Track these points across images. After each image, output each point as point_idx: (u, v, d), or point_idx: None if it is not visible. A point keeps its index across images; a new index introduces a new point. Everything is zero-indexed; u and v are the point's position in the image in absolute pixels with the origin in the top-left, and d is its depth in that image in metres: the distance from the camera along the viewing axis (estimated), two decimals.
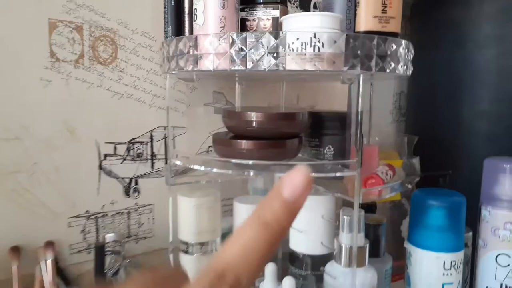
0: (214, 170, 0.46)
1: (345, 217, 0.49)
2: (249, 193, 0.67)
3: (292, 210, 0.21)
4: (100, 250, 0.53)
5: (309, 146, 0.53)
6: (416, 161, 0.69)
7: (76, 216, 0.58)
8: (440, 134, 0.76)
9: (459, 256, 0.51)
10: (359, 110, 0.45)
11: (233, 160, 0.44)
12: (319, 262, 0.53)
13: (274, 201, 0.21)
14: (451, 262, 0.51)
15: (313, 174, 0.45)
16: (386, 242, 0.60)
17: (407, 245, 0.54)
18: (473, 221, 0.56)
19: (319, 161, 0.49)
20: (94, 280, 0.54)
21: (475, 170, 0.57)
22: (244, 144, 0.45)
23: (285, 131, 0.46)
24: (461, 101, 0.73)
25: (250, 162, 0.43)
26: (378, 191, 0.47)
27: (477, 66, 0.72)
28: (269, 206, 0.21)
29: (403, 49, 0.45)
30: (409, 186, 0.66)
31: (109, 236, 0.59)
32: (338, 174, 0.44)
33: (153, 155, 0.64)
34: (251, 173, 0.44)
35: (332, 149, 0.51)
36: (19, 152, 0.53)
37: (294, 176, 0.21)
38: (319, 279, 0.53)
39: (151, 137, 0.63)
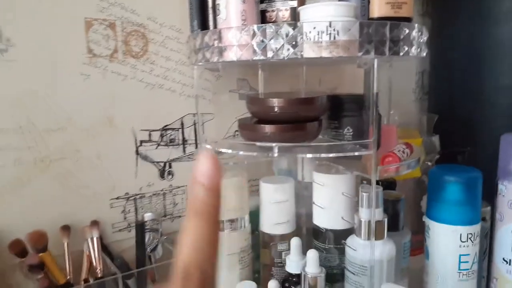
0: (241, 153, 0.50)
1: (363, 193, 0.52)
2: (274, 174, 0.71)
3: (213, 190, 0.23)
4: (140, 227, 0.59)
5: (329, 128, 0.56)
6: (435, 139, 0.71)
7: (117, 198, 0.64)
8: (460, 111, 0.77)
9: (475, 229, 0.54)
10: (375, 92, 0.47)
11: (258, 143, 0.48)
12: (340, 236, 0.56)
13: (196, 191, 0.23)
14: (467, 235, 0.53)
15: (333, 154, 0.48)
16: (408, 217, 0.63)
17: (425, 219, 0.57)
18: (492, 196, 0.58)
19: (338, 142, 0.53)
20: (136, 255, 0.60)
21: (495, 146, 0.59)
22: (267, 128, 0.48)
23: (305, 114, 0.49)
24: (481, 76, 0.74)
25: (274, 144, 0.47)
26: (395, 168, 0.49)
27: (497, 41, 0.72)
28: (195, 197, 0.23)
29: (416, 33, 0.47)
30: (429, 163, 0.68)
31: (147, 215, 0.64)
32: (356, 153, 0.47)
33: (184, 140, 0.68)
34: (275, 155, 0.47)
35: (351, 130, 0.54)
36: (64, 140, 0.58)
37: (201, 163, 0.23)
38: (341, 252, 0.57)
39: (182, 124, 0.68)
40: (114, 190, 0.64)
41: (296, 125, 0.49)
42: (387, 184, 0.63)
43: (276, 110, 0.49)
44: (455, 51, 0.79)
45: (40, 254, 0.51)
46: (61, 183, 0.59)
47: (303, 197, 0.65)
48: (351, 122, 0.54)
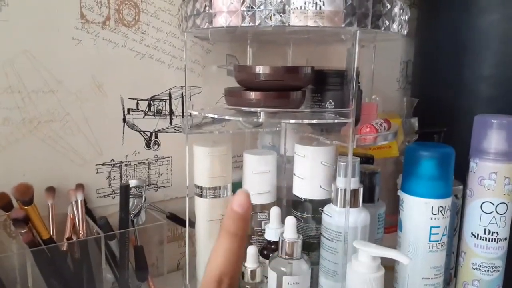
0: (226, 117, 0.52)
1: (341, 163, 0.54)
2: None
3: (244, 218, 0.29)
4: (125, 189, 0.60)
5: (312, 101, 0.58)
6: (414, 121, 0.74)
7: (103, 164, 0.65)
8: (441, 97, 0.80)
9: (447, 202, 0.56)
10: (355, 65, 0.50)
11: (243, 108, 0.50)
12: (318, 206, 0.58)
13: (232, 216, 0.29)
14: (438, 208, 0.56)
15: (315, 121, 0.50)
16: (385, 197, 0.65)
17: (400, 193, 0.59)
18: (465, 176, 0.61)
19: (319, 109, 0.55)
20: (119, 219, 0.61)
21: (470, 130, 0.61)
22: (253, 94, 0.50)
23: (289, 83, 0.51)
24: (463, 65, 0.77)
25: (258, 109, 0.49)
26: (372, 138, 0.52)
27: (480, 32, 0.75)
28: (231, 221, 0.29)
29: (398, 10, 0.50)
30: (407, 143, 0.71)
31: (132, 182, 0.65)
32: (336, 121, 0.50)
33: (171, 112, 0.70)
34: (260, 119, 0.49)
35: (333, 103, 0.56)
36: (53, 103, 0.60)
37: (239, 196, 0.29)
38: (319, 222, 0.59)
39: (170, 95, 0.69)
40: (101, 156, 0.65)
41: (281, 93, 0.51)
42: (365, 160, 0.66)
43: (262, 77, 0.51)
44: (440, 41, 0.82)
45: (26, 207, 0.52)
46: (48, 145, 0.60)
47: (285, 170, 0.67)
48: (333, 95, 0.56)
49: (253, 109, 0.50)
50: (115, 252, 0.61)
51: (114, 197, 0.67)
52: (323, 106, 0.57)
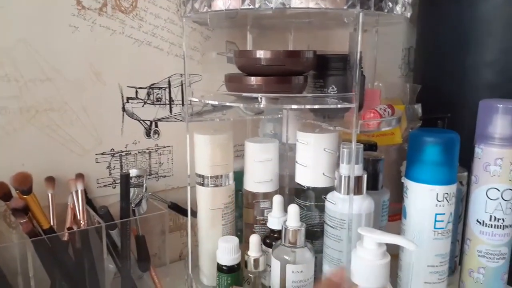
0: (227, 103, 0.51)
1: (344, 149, 0.53)
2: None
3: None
4: (125, 178, 0.59)
5: (314, 87, 0.57)
6: (418, 107, 0.73)
7: (102, 153, 0.64)
8: (445, 84, 0.79)
9: (452, 189, 0.55)
10: (359, 49, 0.48)
11: (244, 94, 0.49)
12: (321, 193, 0.58)
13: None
14: (443, 194, 0.55)
15: (317, 106, 0.49)
16: (388, 185, 0.64)
17: (404, 180, 0.59)
18: (470, 163, 0.60)
19: (321, 94, 0.54)
20: (120, 208, 0.60)
21: (475, 116, 0.60)
22: (254, 80, 0.49)
23: (291, 68, 0.50)
24: (466, 51, 0.76)
25: (259, 95, 0.48)
26: (376, 124, 0.51)
27: (482, 19, 0.74)
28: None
29: None
30: (411, 130, 0.70)
31: (133, 171, 0.65)
32: (339, 106, 0.49)
33: (171, 100, 0.69)
34: (261, 106, 0.48)
35: (335, 88, 0.55)
36: (51, 91, 0.59)
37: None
38: (322, 209, 0.58)
39: (169, 83, 0.68)
40: (100, 145, 0.64)
41: (282, 78, 0.50)
42: (369, 146, 0.65)
43: (262, 62, 0.49)
44: (442, 27, 0.80)
45: (25, 197, 0.52)
46: (46, 135, 0.60)
47: (287, 158, 0.67)
48: (336, 81, 0.55)
49: (254, 95, 0.49)
50: (117, 242, 0.61)
51: (114, 187, 0.66)
52: (325, 91, 0.56)
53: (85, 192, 0.61)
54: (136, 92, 0.66)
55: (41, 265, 0.53)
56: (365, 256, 0.40)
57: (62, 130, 0.60)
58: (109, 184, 0.66)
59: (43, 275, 0.54)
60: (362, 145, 0.53)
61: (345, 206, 0.52)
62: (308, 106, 0.49)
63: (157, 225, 0.70)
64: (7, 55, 0.55)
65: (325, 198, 0.55)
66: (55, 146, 0.60)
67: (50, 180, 0.59)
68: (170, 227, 0.73)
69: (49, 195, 0.58)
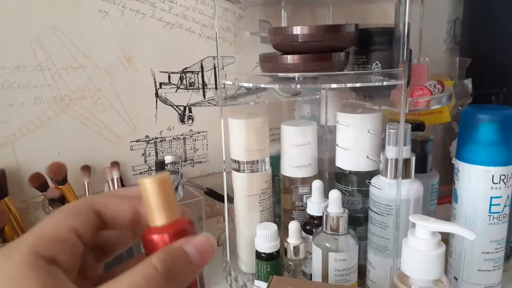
0: (262, 85, 0.48)
1: (391, 130, 0.49)
2: None
3: (197, 269, 0.22)
4: (160, 165, 0.58)
5: (355, 64, 0.53)
6: (468, 82, 0.67)
7: (137, 140, 0.63)
8: (498, 57, 0.73)
9: (509, 170, 0.51)
10: (406, 21, 0.44)
11: (280, 74, 0.46)
12: (364, 178, 0.54)
13: (184, 265, 0.22)
14: (500, 176, 0.50)
15: (359, 84, 0.46)
16: (435, 163, 0.60)
17: (455, 161, 0.54)
18: None
19: (365, 71, 0.50)
20: None
21: None
22: (290, 58, 0.46)
23: (331, 44, 0.47)
24: None
25: (296, 74, 0.45)
26: (426, 101, 0.47)
27: None
28: (179, 267, 0.21)
29: None
30: (460, 107, 0.65)
31: (168, 158, 0.63)
32: (385, 83, 0.45)
33: (204, 85, 0.67)
34: (299, 85, 0.45)
35: (379, 65, 0.51)
36: (84, 79, 0.58)
37: (201, 243, 0.22)
38: (365, 194, 0.55)
39: (202, 67, 0.66)
40: (135, 132, 0.63)
41: (321, 55, 0.46)
42: (416, 126, 0.61)
43: (300, 39, 0.46)
44: None
45: (60, 187, 0.51)
46: (81, 123, 0.59)
47: (326, 141, 0.63)
48: (380, 56, 0.51)
49: (291, 74, 0.45)
50: None
51: (150, 174, 0.65)
52: (368, 68, 0.52)
53: (121, 180, 0.60)
54: (169, 77, 0.64)
55: None
56: (418, 246, 0.37)
57: (96, 118, 0.60)
58: (144, 171, 0.65)
59: None
60: (410, 125, 0.49)
61: (392, 191, 0.49)
62: (350, 85, 0.46)
63: (193, 212, 0.68)
64: (39, 44, 0.54)
65: (370, 183, 0.52)
66: (89, 134, 0.60)
67: (86, 168, 0.58)
68: (207, 213, 0.72)
69: (85, 183, 0.58)
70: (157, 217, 0.23)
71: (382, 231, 0.51)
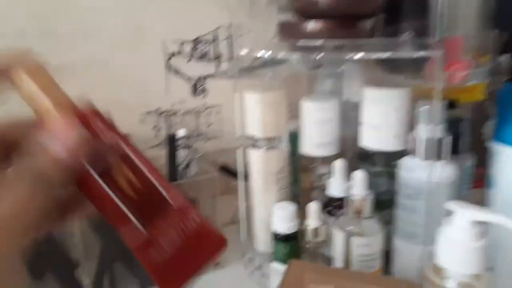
0: (280, 55, 0.43)
1: (423, 107, 0.45)
2: None
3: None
4: (171, 140, 0.55)
5: (384, 33, 0.48)
6: (505, 59, 0.62)
7: (148, 113, 0.60)
8: None
9: None
10: None
11: (301, 43, 0.41)
12: (390, 158, 0.50)
13: (46, 162, 0.20)
14: None
15: (388, 55, 0.41)
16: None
17: (492, 143, 0.49)
18: None
19: (395, 41, 0.45)
20: (168, 171, 0.56)
21: None
22: (312, 24, 0.41)
23: (357, 10, 0.42)
24: None
25: (319, 41, 0.40)
26: (463, 76, 0.42)
27: None
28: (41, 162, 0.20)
29: None
30: (495, 85, 0.59)
31: (180, 131, 0.60)
32: (418, 55, 0.40)
33: (217, 55, 0.63)
34: (321, 55, 0.41)
35: (411, 34, 0.46)
36: (92, 49, 0.54)
37: (65, 135, 0.21)
38: (391, 176, 0.51)
39: (215, 36, 0.62)
40: (145, 104, 0.60)
41: (347, 22, 0.41)
42: (448, 104, 0.55)
43: (324, 4, 0.41)
44: None
45: None
46: (89, 94, 0.55)
47: (349, 118, 0.59)
48: (412, 25, 0.46)
49: (313, 43, 0.41)
50: None
51: (162, 149, 0.62)
52: (399, 38, 0.47)
53: None
54: (181, 46, 0.60)
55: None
56: (456, 236, 0.33)
57: (103, 89, 0.56)
58: (156, 145, 0.62)
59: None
60: (445, 102, 0.44)
61: (423, 174, 0.45)
62: (378, 55, 0.41)
63: (207, 189, 0.66)
64: (50, 10, 0.51)
65: (398, 164, 0.47)
66: (98, 105, 0.56)
67: None
68: (222, 190, 0.69)
69: None
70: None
71: (410, 215, 0.47)
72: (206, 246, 0.25)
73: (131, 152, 0.24)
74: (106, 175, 0.23)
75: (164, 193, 0.24)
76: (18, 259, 0.20)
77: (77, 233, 0.50)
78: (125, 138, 0.25)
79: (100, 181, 0.23)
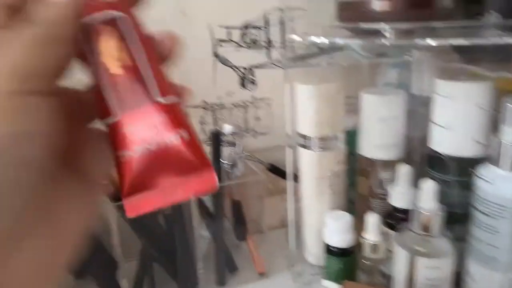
0: (338, 40, 0.37)
1: (510, 105, 0.37)
2: None
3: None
4: (216, 137, 0.51)
5: (465, 15, 0.40)
6: None
7: (193, 106, 0.56)
8: None
9: None
10: None
11: (363, 25, 0.35)
12: (467, 165, 0.43)
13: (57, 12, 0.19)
14: None
15: (468, 41, 0.34)
16: None
17: None
18: None
19: (478, 24, 0.37)
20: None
21: None
22: (378, 3, 0.35)
23: None
24: None
25: (385, 25, 0.34)
26: None
27: None
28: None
29: None
30: None
31: (227, 127, 0.56)
32: (506, 41, 0.32)
33: (269, 42, 0.57)
34: (387, 41, 0.34)
35: (498, 15, 0.38)
36: None
37: None
38: (465, 186, 0.43)
39: (266, 21, 0.56)
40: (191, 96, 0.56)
41: (420, 0, 0.34)
42: None
43: None
44: None
45: None
46: None
47: (417, 115, 0.51)
48: (499, 4, 0.38)
49: (378, 26, 0.34)
50: (210, 208, 0.54)
51: (208, 145, 0.58)
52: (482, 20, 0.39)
53: None
54: (228, 33, 0.55)
55: (126, 230, 0.49)
56: None
57: None
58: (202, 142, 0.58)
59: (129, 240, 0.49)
60: None
61: (507, 186, 0.37)
62: (456, 42, 0.34)
63: (254, 190, 0.61)
64: None
65: (476, 174, 0.40)
66: None
67: None
68: (270, 190, 0.64)
69: None
70: None
71: (490, 237, 0.39)
72: (185, 173, 0.19)
73: (132, 29, 0.20)
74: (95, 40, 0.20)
75: (149, 84, 0.20)
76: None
77: (116, 233, 0.48)
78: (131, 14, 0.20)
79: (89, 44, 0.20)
